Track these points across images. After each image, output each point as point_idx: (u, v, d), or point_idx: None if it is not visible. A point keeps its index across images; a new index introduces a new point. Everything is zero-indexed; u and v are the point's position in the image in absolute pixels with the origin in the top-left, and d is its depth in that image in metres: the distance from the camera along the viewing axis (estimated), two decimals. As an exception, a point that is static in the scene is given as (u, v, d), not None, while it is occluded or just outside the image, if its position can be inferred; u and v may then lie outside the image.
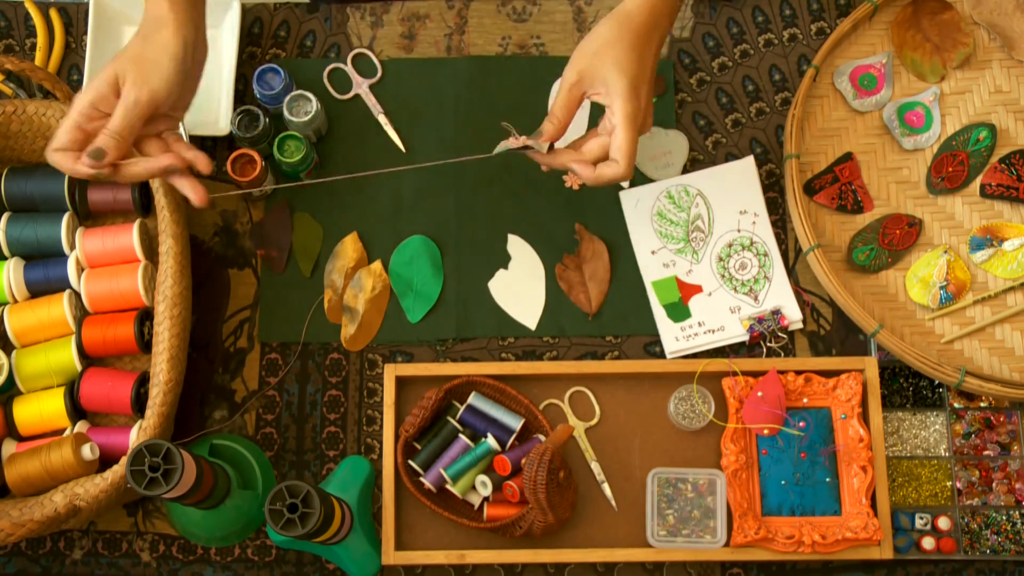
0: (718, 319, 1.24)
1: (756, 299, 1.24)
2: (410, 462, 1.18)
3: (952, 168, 1.25)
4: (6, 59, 1.11)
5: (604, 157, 1.07)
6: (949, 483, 1.20)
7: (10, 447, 1.17)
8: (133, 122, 1.02)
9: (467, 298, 1.26)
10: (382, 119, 1.31)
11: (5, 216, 1.21)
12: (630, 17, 1.06)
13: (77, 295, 1.21)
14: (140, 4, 1.29)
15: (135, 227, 1.21)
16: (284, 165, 1.24)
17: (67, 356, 1.18)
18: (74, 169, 1.04)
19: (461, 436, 1.18)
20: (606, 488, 1.20)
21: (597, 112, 1.20)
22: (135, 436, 1.14)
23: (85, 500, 1.07)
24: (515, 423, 1.19)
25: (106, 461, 1.16)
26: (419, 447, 1.19)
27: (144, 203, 1.24)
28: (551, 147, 1.10)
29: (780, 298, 1.24)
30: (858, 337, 1.25)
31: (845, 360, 1.20)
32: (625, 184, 1.28)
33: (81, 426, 1.18)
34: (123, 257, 1.21)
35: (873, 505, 1.17)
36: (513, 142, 1.11)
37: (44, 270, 1.20)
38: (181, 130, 1.25)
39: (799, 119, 1.26)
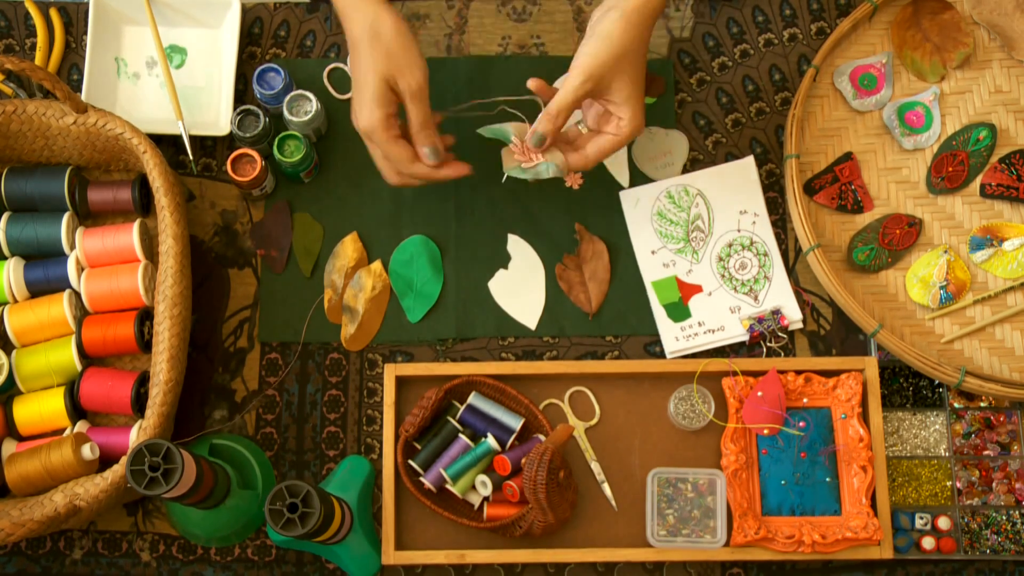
0: (718, 319, 1.24)
1: (756, 299, 1.25)
2: (410, 462, 1.18)
3: (952, 168, 1.25)
4: (6, 59, 1.11)
5: (606, 156, 1.12)
6: (949, 483, 1.20)
7: (10, 447, 1.17)
8: (426, 107, 1.08)
9: (467, 298, 1.26)
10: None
11: (5, 216, 1.21)
12: (641, 13, 1.05)
13: (77, 295, 1.21)
14: (140, 4, 1.30)
15: (135, 227, 1.21)
16: (284, 165, 1.24)
17: (67, 356, 1.18)
18: (433, 174, 1.12)
19: (461, 436, 1.18)
20: (606, 488, 1.20)
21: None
22: (135, 436, 1.14)
23: (85, 500, 1.07)
24: (515, 423, 1.19)
25: (106, 461, 1.16)
26: (419, 447, 1.19)
27: (144, 203, 1.24)
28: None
29: (780, 298, 1.24)
30: (858, 337, 1.25)
31: (845, 360, 1.20)
32: (625, 184, 1.28)
33: (81, 426, 1.18)
34: (123, 257, 1.21)
35: (873, 505, 1.17)
36: (520, 156, 1.12)
37: (44, 270, 1.20)
38: (181, 130, 1.25)
39: (799, 119, 1.26)
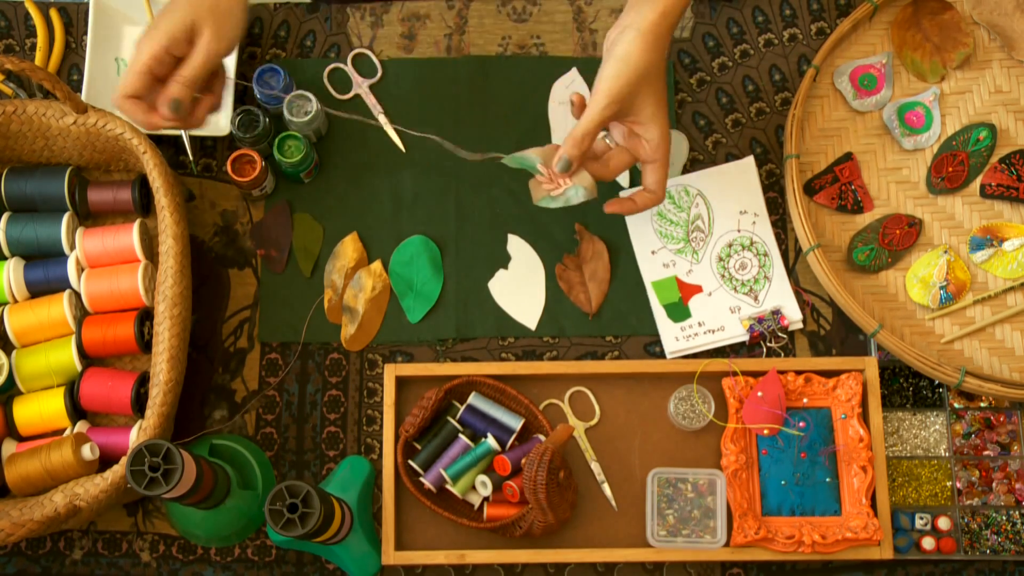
0: (718, 319, 1.24)
1: (756, 299, 1.25)
2: (410, 462, 1.18)
3: (952, 168, 1.25)
4: (6, 59, 1.11)
5: (625, 170, 1.14)
6: (949, 483, 1.20)
7: (10, 447, 1.17)
8: (208, 72, 1.04)
9: (467, 298, 1.26)
10: (382, 119, 1.31)
11: (5, 216, 1.21)
12: (657, 32, 1.04)
13: (77, 295, 1.21)
14: (140, 4, 1.29)
15: (135, 227, 1.21)
16: (284, 165, 1.24)
17: (67, 356, 1.18)
18: (147, 120, 1.05)
19: (461, 436, 1.18)
20: (606, 488, 1.20)
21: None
22: (135, 436, 1.14)
23: (85, 500, 1.07)
24: (515, 423, 1.19)
25: (106, 461, 1.16)
26: (419, 447, 1.19)
27: (144, 203, 1.24)
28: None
29: (780, 298, 1.24)
30: (858, 337, 1.25)
31: (845, 360, 1.20)
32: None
33: (81, 426, 1.18)
34: (123, 257, 1.21)
35: (873, 505, 1.17)
36: (548, 185, 1.12)
37: (44, 270, 1.20)
38: (181, 130, 1.25)
39: (799, 119, 1.26)
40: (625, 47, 1.04)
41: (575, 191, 1.11)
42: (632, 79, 1.04)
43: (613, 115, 1.06)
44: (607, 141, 1.15)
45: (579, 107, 1.10)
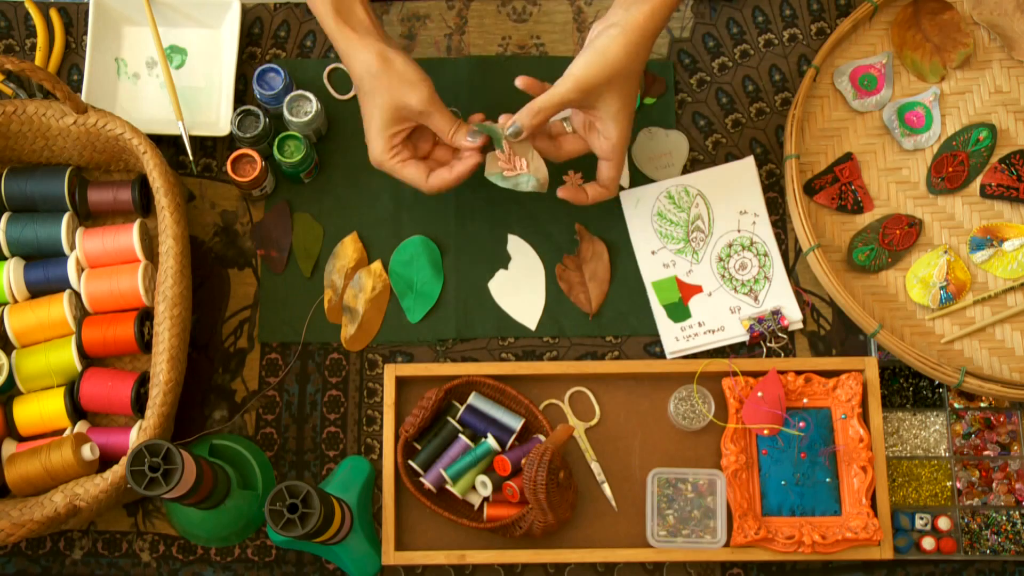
0: (718, 319, 1.24)
1: (756, 299, 1.25)
2: (410, 462, 1.18)
3: (952, 168, 1.25)
4: (6, 59, 1.11)
5: (574, 156, 1.16)
6: (949, 483, 1.20)
7: (10, 447, 1.17)
8: (447, 113, 1.12)
9: (467, 298, 1.26)
10: None
11: (5, 216, 1.21)
12: (642, 33, 1.05)
13: (77, 295, 1.21)
14: (140, 4, 1.29)
15: (135, 227, 1.21)
16: (284, 165, 1.24)
17: (67, 356, 1.18)
18: (459, 173, 1.14)
19: (461, 436, 1.18)
20: (606, 488, 1.20)
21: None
22: (135, 436, 1.14)
23: (85, 500, 1.07)
24: (515, 423, 1.19)
25: (106, 461, 1.16)
26: (419, 447, 1.19)
27: (144, 203, 1.24)
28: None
29: (780, 298, 1.24)
30: (858, 337, 1.25)
31: (845, 360, 1.20)
32: (625, 184, 1.28)
33: (81, 426, 1.18)
34: (123, 257, 1.21)
35: (873, 505, 1.17)
36: (504, 164, 1.14)
37: (44, 270, 1.20)
38: (181, 130, 1.25)
39: (799, 119, 1.26)
40: (606, 41, 1.05)
41: (526, 179, 1.12)
42: (603, 73, 1.05)
43: (576, 101, 1.07)
44: (565, 125, 1.15)
45: (528, 87, 1.13)
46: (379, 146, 1.12)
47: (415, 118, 1.12)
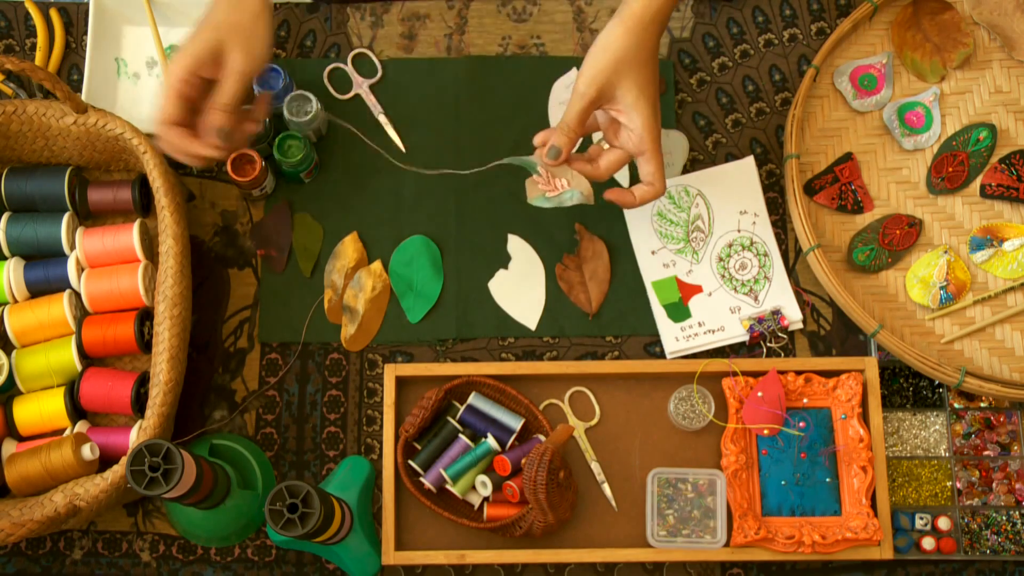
0: (718, 319, 1.24)
1: (756, 299, 1.25)
2: (410, 462, 1.18)
3: (952, 168, 1.25)
4: (6, 59, 1.11)
5: (618, 169, 1.12)
6: (949, 483, 1.20)
7: (10, 447, 1.17)
8: (243, 92, 1.05)
9: (467, 298, 1.26)
10: (382, 119, 1.31)
11: (5, 216, 1.21)
12: (640, 21, 1.06)
13: (77, 295, 1.21)
14: (140, 4, 1.29)
15: (135, 227, 1.21)
16: (284, 165, 1.24)
17: (67, 356, 1.18)
18: (192, 149, 1.05)
19: (461, 436, 1.18)
20: (606, 488, 1.20)
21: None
22: (135, 436, 1.14)
23: (85, 500, 1.07)
24: (515, 423, 1.19)
25: (106, 461, 1.16)
26: (419, 447, 1.19)
27: (144, 203, 1.24)
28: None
29: (780, 298, 1.24)
30: (858, 337, 1.25)
31: (845, 360, 1.20)
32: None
33: (81, 426, 1.18)
34: (123, 257, 1.21)
35: (873, 505, 1.17)
36: (544, 186, 1.13)
37: (44, 270, 1.20)
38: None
39: (799, 119, 1.26)
40: (606, 35, 1.06)
41: (571, 195, 1.12)
42: (610, 63, 1.05)
43: (594, 99, 1.07)
44: (601, 144, 1.15)
45: (542, 142, 1.12)
46: (184, 64, 1.04)
47: (220, 72, 1.05)
